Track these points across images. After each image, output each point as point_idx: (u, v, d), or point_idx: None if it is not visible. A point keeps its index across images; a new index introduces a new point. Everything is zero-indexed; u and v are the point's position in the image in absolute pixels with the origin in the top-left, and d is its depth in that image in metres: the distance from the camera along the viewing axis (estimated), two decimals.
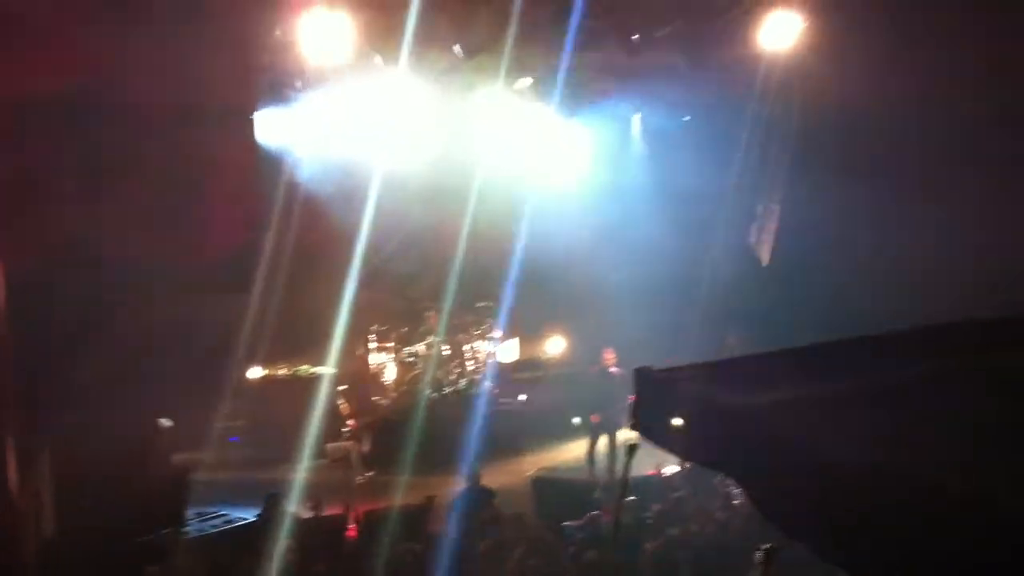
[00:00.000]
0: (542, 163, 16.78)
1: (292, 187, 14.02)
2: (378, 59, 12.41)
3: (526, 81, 15.05)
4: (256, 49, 10.46)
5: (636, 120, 16.94)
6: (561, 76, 15.47)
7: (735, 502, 10.51)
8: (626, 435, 12.57)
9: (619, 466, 12.77)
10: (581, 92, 16.30)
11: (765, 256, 15.32)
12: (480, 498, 10.89)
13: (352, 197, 15.34)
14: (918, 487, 2.60)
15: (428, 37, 11.81)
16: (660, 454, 10.94)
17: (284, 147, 14.67)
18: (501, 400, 15.87)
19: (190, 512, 11.09)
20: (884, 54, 11.53)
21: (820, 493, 2.90)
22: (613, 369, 13.42)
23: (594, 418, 13.28)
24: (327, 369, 15.05)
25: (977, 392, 2.89)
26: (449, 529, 10.18)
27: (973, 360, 3.04)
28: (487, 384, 15.96)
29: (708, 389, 3.56)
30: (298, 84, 13.23)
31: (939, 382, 2.95)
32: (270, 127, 13.87)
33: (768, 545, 3.36)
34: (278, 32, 11.40)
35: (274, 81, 13.17)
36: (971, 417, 2.80)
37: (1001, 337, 3.34)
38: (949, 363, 3.04)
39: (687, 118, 16.69)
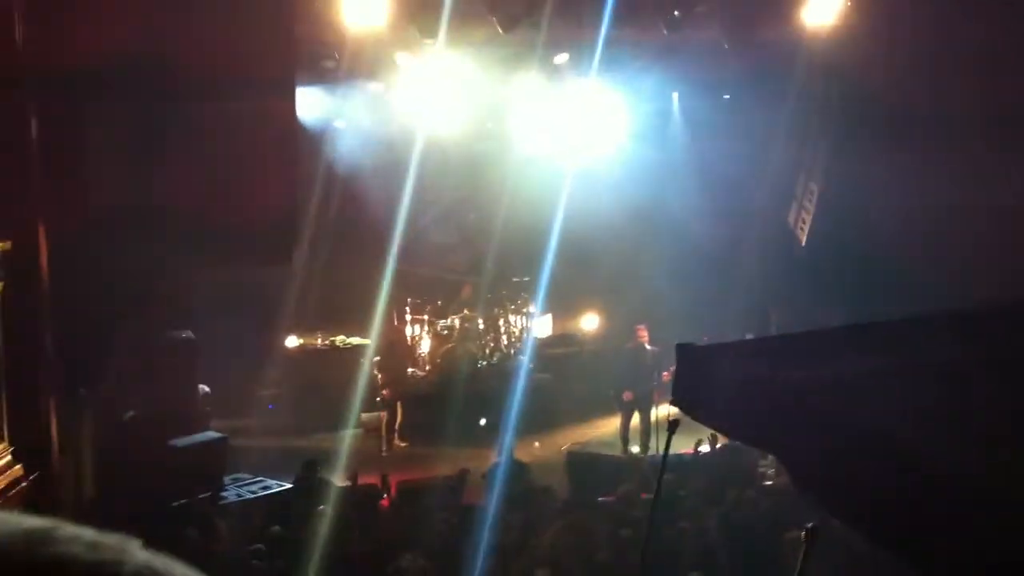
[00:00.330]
0: (579, 138, 16.74)
1: (332, 159, 14.13)
2: (415, 31, 12.42)
3: (563, 56, 15.01)
4: (294, 19, 10.44)
5: (675, 97, 16.82)
6: (599, 51, 15.52)
7: (767, 483, 10.53)
8: (661, 412, 12.66)
9: (655, 443, 12.81)
10: (619, 68, 16.26)
11: (803, 236, 15.23)
12: (514, 471, 10.97)
13: (390, 169, 15.43)
14: (966, 472, 2.61)
15: (465, 10, 11.80)
16: (696, 432, 11.05)
17: (323, 119, 14.78)
18: (536, 375, 15.93)
19: (227, 478, 11.27)
20: (928, 31, 11.38)
21: (864, 472, 2.92)
22: (647, 346, 13.43)
23: (627, 395, 13.30)
24: (363, 340, 15.20)
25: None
26: (483, 502, 10.29)
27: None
28: (521, 358, 16.03)
29: (751, 365, 3.57)
30: (336, 55, 13.28)
31: (989, 365, 2.95)
32: (309, 98, 13.96)
33: (811, 524, 3.39)
34: (316, 2, 11.42)
35: (312, 52, 13.23)
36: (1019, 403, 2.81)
37: None
38: (1000, 346, 3.04)
39: (727, 96, 16.58)
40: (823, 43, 13.32)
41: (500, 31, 12.36)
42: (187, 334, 11.31)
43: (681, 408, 3.95)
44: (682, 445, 11.81)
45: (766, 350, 3.80)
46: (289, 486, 10.75)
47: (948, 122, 12.01)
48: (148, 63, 8.66)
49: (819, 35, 13.02)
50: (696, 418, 3.93)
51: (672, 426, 4.09)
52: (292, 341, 14.85)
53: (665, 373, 12.47)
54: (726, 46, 13.29)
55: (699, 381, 3.81)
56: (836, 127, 14.26)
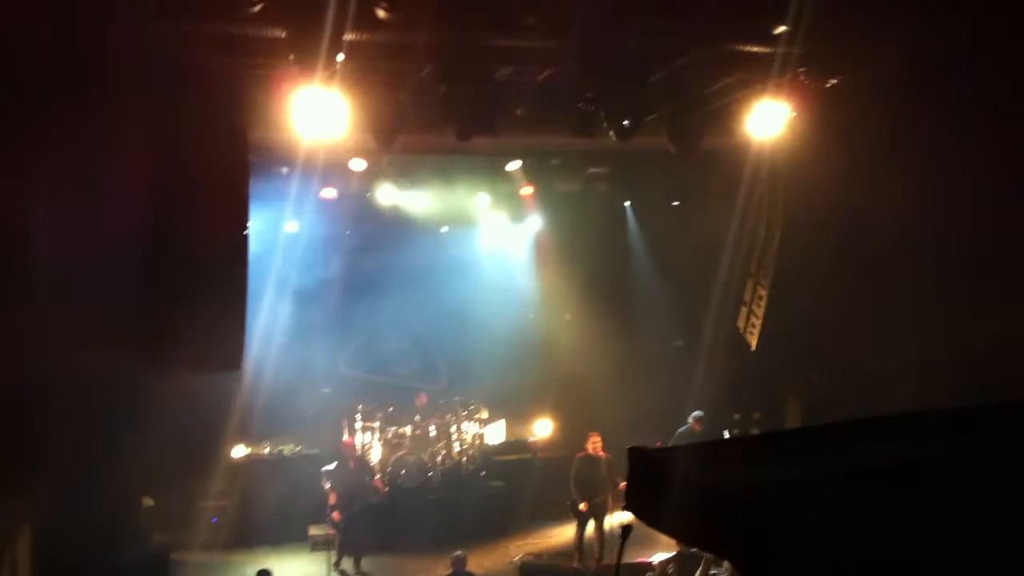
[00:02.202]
0: (531, 242, 16.96)
1: (284, 264, 14.07)
2: (371, 139, 12.51)
3: (516, 163, 15.24)
4: (247, 128, 10.47)
5: (627, 207, 17.13)
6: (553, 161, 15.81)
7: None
8: (617, 520, 12.46)
9: (608, 551, 12.59)
10: (572, 175, 16.55)
11: (753, 341, 15.32)
12: None
13: (340, 275, 15.44)
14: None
15: (422, 118, 11.92)
16: (651, 542, 10.85)
17: (275, 226, 14.80)
18: (488, 483, 15.69)
19: None
20: (873, 146, 11.70)
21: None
22: (601, 453, 13.29)
23: (583, 506, 13.10)
24: (311, 449, 14.89)
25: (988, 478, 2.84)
26: None
27: (986, 443, 3.00)
28: (473, 467, 15.79)
29: (707, 469, 3.49)
30: (288, 161, 13.35)
31: (951, 465, 2.90)
32: (261, 206, 13.97)
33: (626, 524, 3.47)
34: (269, 111, 11.46)
35: (265, 160, 13.29)
36: (980, 505, 2.75)
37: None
38: (961, 445, 3.00)
39: (676, 203, 16.89)
40: (769, 151, 13.64)
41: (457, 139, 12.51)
42: (129, 443, 10.97)
43: (634, 513, 3.84)
44: (639, 554, 11.64)
45: (719, 454, 3.72)
46: None
47: (889, 234, 12.30)
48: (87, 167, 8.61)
49: (765, 144, 13.34)
50: (649, 524, 3.81)
51: (625, 531, 3.98)
52: (239, 451, 14.49)
53: (622, 483, 12.29)
54: (673, 153, 13.54)
55: (652, 486, 3.71)
56: (782, 234, 14.51)
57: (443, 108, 11.15)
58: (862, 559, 2.73)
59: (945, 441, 3.22)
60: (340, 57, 10.13)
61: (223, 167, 10.07)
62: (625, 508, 3.96)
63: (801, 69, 11.90)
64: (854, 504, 2.86)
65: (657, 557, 11.55)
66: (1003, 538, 2.63)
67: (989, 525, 2.68)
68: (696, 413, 13.92)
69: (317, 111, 10.56)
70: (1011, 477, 2.87)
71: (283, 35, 9.40)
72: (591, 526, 13.21)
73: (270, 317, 13.64)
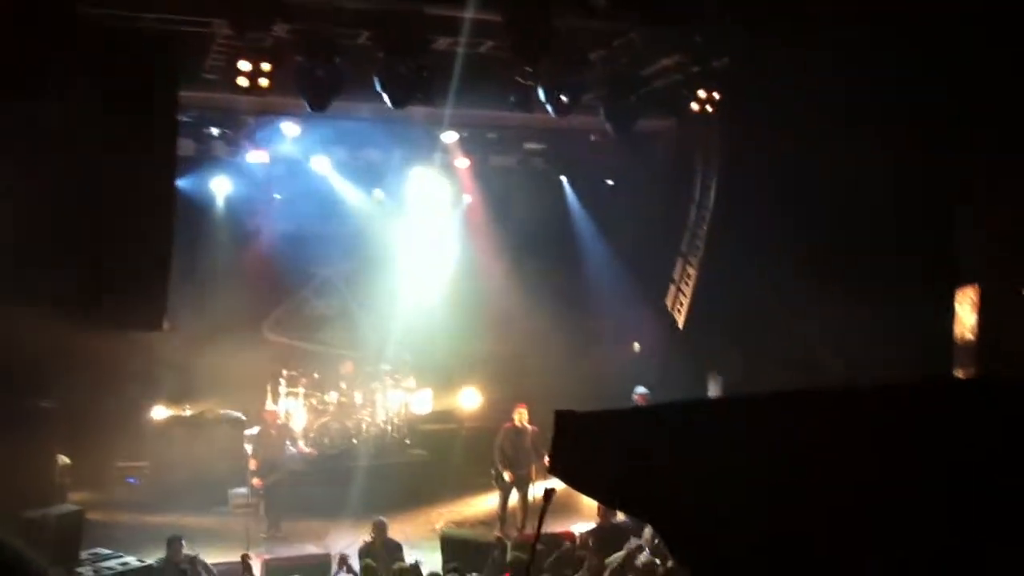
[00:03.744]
0: (465, 214, 16.97)
1: (212, 226, 13.89)
2: (303, 101, 12.38)
3: (452, 135, 15.20)
4: (176, 86, 10.29)
5: (564, 181, 17.22)
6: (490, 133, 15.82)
7: (638, 561, 10.51)
8: (538, 490, 12.59)
9: (531, 522, 12.72)
10: (508, 151, 16.59)
11: (681, 319, 15.56)
12: (386, 550, 10.72)
13: (270, 238, 15.28)
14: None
15: (359, 85, 11.83)
16: (573, 513, 11.00)
17: (204, 188, 14.59)
18: (412, 451, 15.72)
19: (84, 552, 10.65)
20: (804, 127, 11.91)
21: (746, 548, 2.92)
22: (526, 425, 13.39)
23: (509, 476, 13.20)
24: (235, 412, 14.74)
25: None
26: None
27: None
28: (398, 435, 15.80)
29: (633, 434, 3.56)
30: (219, 122, 13.19)
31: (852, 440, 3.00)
32: (189, 166, 13.77)
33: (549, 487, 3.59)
34: (201, 71, 11.26)
35: (194, 117, 13.08)
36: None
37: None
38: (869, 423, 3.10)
39: (611, 182, 17.03)
40: (702, 131, 13.84)
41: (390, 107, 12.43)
42: (46, 402, 10.79)
43: (559, 477, 3.89)
44: (560, 525, 11.80)
45: (646, 419, 3.79)
46: (150, 563, 10.24)
47: (820, 213, 12.56)
48: None
49: (698, 124, 13.52)
50: (574, 487, 3.88)
51: (547, 496, 4.04)
52: (160, 412, 14.28)
53: (546, 456, 12.41)
54: (609, 132, 13.64)
55: (578, 450, 3.77)
56: (714, 213, 14.73)
57: (380, 75, 11.08)
58: (781, 530, 2.83)
59: (872, 414, 3.33)
60: (276, 21, 10.02)
61: (150, 124, 9.90)
62: (550, 471, 4.03)
63: (735, 54, 12.10)
64: (776, 475, 2.95)
65: (578, 528, 11.71)
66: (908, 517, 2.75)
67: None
68: (640, 389, 14.11)
69: (252, 73, 10.44)
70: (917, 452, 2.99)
71: None
72: (514, 497, 13.33)
73: (196, 279, 13.45)
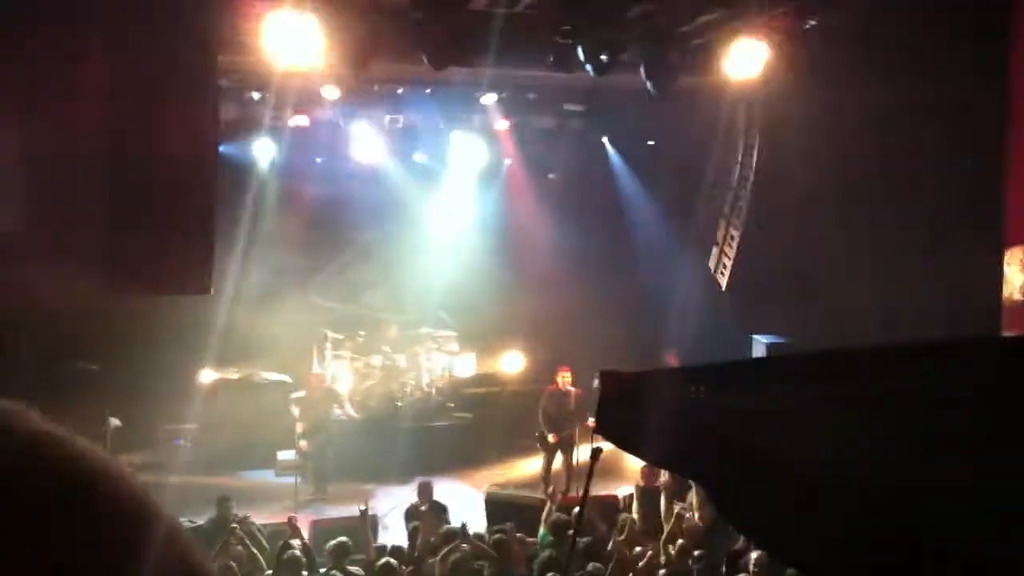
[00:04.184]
0: (505, 177, 16.89)
1: (256, 190, 13.92)
2: (345, 66, 12.32)
3: (491, 96, 15.09)
4: (216, 49, 10.24)
5: (606, 141, 17.06)
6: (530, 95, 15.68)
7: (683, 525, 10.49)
8: (582, 453, 12.61)
9: (575, 485, 12.74)
10: (547, 112, 16.44)
11: (724, 281, 15.42)
12: (432, 512, 10.78)
13: (313, 203, 15.31)
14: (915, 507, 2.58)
15: (397, 46, 11.75)
16: (618, 476, 10.99)
17: (247, 152, 14.62)
18: (456, 414, 15.79)
19: None
20: (846, 92, 11.70)
21: (797, 503, 2.87)
22: (570, 388, 13.38)
23: (553, 438, 13.22)
24: (281, 375, 14.89)
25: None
26: (400, 543, 10.08)
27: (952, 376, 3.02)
28: (442, 398, 15.88)
29: (680, 392, 3.51)
30: (261, 87, 13.14)
31: (927, 397, 2.93)
32: (232, 130, 13.81)
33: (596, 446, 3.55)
34: (239, 34, 11.21)
35: (236, 82, 13.08)
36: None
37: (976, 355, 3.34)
38: (942, 379, 3.02)
39: (651, 143, 16.85)
40: (746, 92, 13.59)
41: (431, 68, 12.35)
42: (93, 365, 10.93)
43: (605, 437, 3.86)
44: (605, 489, 11.80)
45: (693, 377, 3.74)
46: (200, 523, 10.39)
47: (864, 176, 12.37)
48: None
49: (742, 85, 13.28)
50: (622, 447, 3.85)
51: (595, 454, 4.02)
52: (207, 375, 14.45)
53: (590, 419, 12.45)
54: (650, 92, 13.46)
55: (624, 409, 3.73)
56: (757, 176, 14.53)
57: (417, 36, 11.00)
58: (834, 486, 2.77)
59: (922, 372, 3.26)
60: None
61: (192, 86, 9.89)
62: (596, 431, 4.00)
63: (780, 9, 11.84)
64: (829, 432, 2.89)
65: (621, 491, 11.71)
66: (978, 467, 2.67)
67: (967, 456, 2.72)
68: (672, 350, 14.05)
69: (289, 35, 10.37)
70: (987, 409, 2.91)
71: None
72: (559, 460, 13.35)
73: (241, 243, 13.52)
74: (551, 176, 16.74)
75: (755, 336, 13.97)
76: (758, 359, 3.92)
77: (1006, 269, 11.19)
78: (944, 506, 2.53)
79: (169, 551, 0.69)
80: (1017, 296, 11.32)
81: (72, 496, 0.66)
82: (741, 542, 8.72)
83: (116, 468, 0.71)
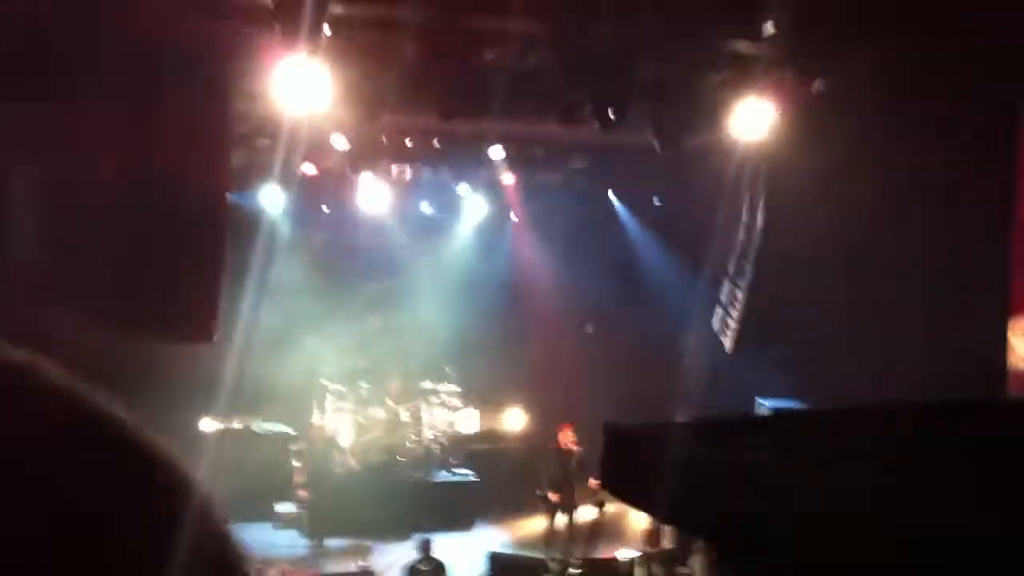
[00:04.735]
0: (511, 232, 16.91)
1: (262, 238, 13.92)
2: (355, 114, 12.38)
3: (499, 151, 15.14)
4: (231, 96, 10.31)
5: (614, 197, 17.10)
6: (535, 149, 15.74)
7: None
8: (585, 513, 12.43)
9: (578, 545, 12.54)
10: (554, 168, 16.50)
11: (728, 343, 15.31)
12: (432, 570, 10.61)
13: (319, 252, 15.31)
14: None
15: (406, 98, 11.83)
16: (617, 538, 10.79)
17: (254, 199, 14.66)
18: (458, 470, 15.63)
19: None
20: (852, 154, 11.72)
21: (820, 558, 2.76)
22: (572, 447, 13.24)
23: (553, 497, 13.05)
24: (282, 426, 14.77)
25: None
26: None
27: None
28: (443, 453, 15.73)
29: (685, 445, 3.42)
30: (269, 134, 13.20)
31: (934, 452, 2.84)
32: (238, 177, 13.83)
33: None
34: (251, 82, 11.29)
35: (245, 129, 13.13)
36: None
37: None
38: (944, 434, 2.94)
39: (657, 201, 16.87)
40: (752, 153, 13.62)
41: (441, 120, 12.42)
42: None
43: (610, 491, 3.75)
44: (607, 551, 11.62)
45: (700, 431, 3.64)
46: None
47: (871, 240, 12.33)
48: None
49: (748, 145, 13.31)
50: (627, 502, 3.73)
51: (599, 507, 3.92)
52: (208, 424, 14.31)
53: (593, 481, 12.36)
54: (657, 149, 13.49)
55: (630, 462, 3.62)
56: (763, 236, 14.51)
57: (427, 88, 11.08)
58: (846, 539, 2.68)
59: (926, 429, 3.18)
60: (326, 30, 10.03)
61: (206, 133, 9.94)
62: (601, 486, 3.92)
63: (787, 72, 11.90)
64: (849, 485, 2.81)
65: (622, 554, 11.52)
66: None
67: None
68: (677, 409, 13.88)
69: (301, 83, 10.43)
70: (992, 465, 2.82)
71: (269, 2, 9.28)
72: (561, 520, 13.16)
73: (247, 290, 13.49)
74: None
75: (760, 400, 13.85)
76: (768, 415, 3.84)
77: (1011, 338, 11.09)
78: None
79: (205, 527, 0.63)
80: (1023, 365, 11.22)
81: (103, 460, 0.61)
82: None
83: (145, 434, 0.66)
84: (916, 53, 10.32)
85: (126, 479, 0.61)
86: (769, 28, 11.02)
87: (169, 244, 9.55)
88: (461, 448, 15.95)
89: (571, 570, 10.06)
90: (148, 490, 0.61)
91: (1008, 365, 11.10)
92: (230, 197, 11.14)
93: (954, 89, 10.40)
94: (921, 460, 2.82)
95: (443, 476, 15.37)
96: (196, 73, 9.59)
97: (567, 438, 13.26)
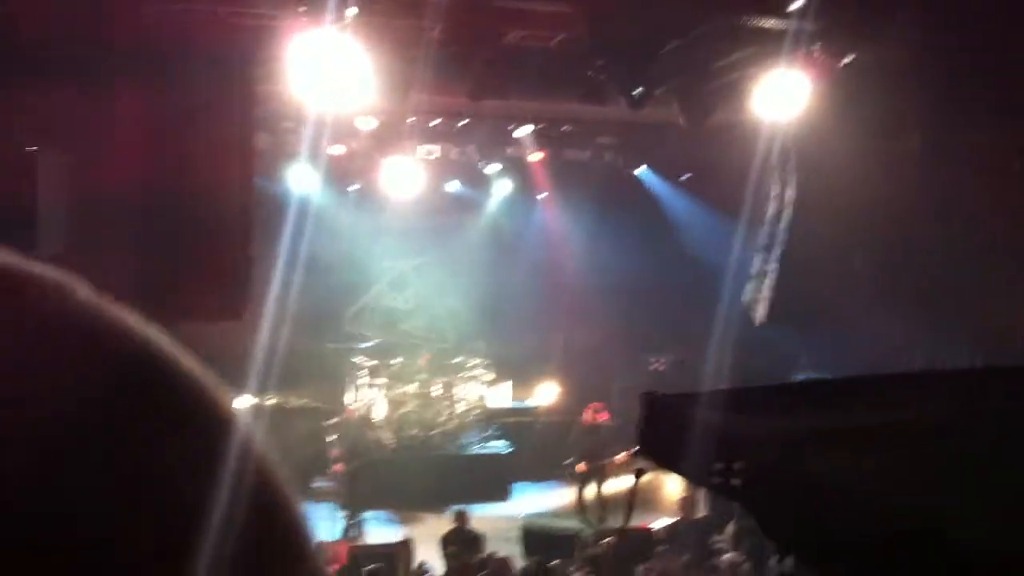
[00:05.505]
0: (539, 210, 16.96)
1: (291, 219, 14.06)
2: (385, 97, 12.45)
3: (526, 128, 15.19)
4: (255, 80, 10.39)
5: (643, 173, 17.10)
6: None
7: (722, 560, 10.38)
8: (622, 483, 12.55)
9: (610, 516, 12.68)
10: (581, 145, 16.51)
11: (761, 314, 15.31)
12: (467, 541, 10.77)
13: (348, 232, 15.43)
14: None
15: (434, 79, 11.88)
16: (651, 508, 10.87)
17: (282, 181, 14.80)
18: (491, 443, 15.80)
19: None
20: (883, 128, 11.67)
21: (857, 527, 2.87)
22: (599, 422, 13.39)
23: (580, 467, 13.22)
24: (316, 403, 14.97)
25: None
26: (434, 570, 10.07)
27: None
28: (476, 427, 15.91)
29: (720, 414, 3.52)
30: (294, 117, 13.30)
31: (963, 425, 2.93)
32: (265, 159, 13.95)
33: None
34: (276, 65, 11.34)
35: (270, 112, 13.22)
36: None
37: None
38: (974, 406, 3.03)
39: (686, 176, 16.86)
40: (781, 127, 13.59)
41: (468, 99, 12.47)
42: None
43: (647, 456, 3.89)
44: (642, 520, 11.71)
45: (736, 401, 3.76)
46: None
47: (901, 212, 12.30)
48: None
49: (777, 120, 13.28)
50: (663, 467, 3.87)
51: (638, 474, 4.04)
52: (243, 401, 14.51)
53: (623, 454, 12.51)
54: (683, 125, 13.49)
55: (667, 429, 3.75)
56: (793, 209, 14.48)
57: (455, 68, 11.12)
58: (873, 511, 2.77)
59: (957, 400, 3.25)
60: (352, 11, 10.07)
61: (230, 116, 10.04)
62: (638, 452, 4.02)
63: (815, 46, 11.85)
64: (868, 458, 2.89)
65: (658, 523, 11.62)
66: (1009, 497, 2.67)
67: (998, 484, 2.71)
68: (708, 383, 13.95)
69: (327, 66, 10.48)
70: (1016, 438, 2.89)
71: None
72: (592, 490, 13.33)
73: (278, 271, 13.65)
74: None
75: (793, 374, 13.87)
76: (799, 383, 3.91)
77: None
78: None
79: (247, 463, 0.59)
80: None
81: (144, 385, 0.57)
82: (783, 568, 8.60)
83: (188, 361, 0.62)
84: (951, 24, 10.26)
85: (168, 405, 0.57)
86: (796, 1, 10.97)
87: (197, 226, 9.69)
88: (494, 421, 16.11)
89: (605, 539, 10.16)
90: (193, 422, 0.58)
91: None
92: (257, 179, 11.26)
93: (992, 65, 10.34)
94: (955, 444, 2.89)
95: (476, 449, 15.55)
96: (221, 58, 9.70)
97: (595, 413, 13.42)
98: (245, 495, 0.56)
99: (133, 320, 0.60)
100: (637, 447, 3.88)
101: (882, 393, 3.58)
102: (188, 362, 0.61)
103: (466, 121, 14.65)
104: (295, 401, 14.91)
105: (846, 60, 11.80)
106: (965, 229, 11.58)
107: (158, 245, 9.36)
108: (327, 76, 10.52)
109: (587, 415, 13.50)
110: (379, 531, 12.43)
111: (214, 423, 0.59)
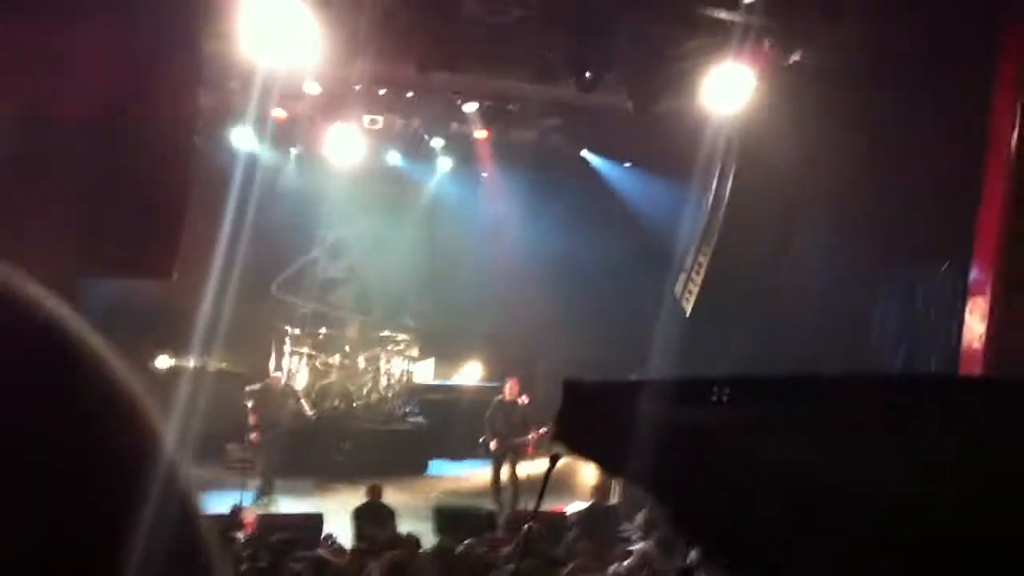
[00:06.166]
0: (480, 187, 16.86)
1: (228, 180, 13.78)
2: (332, 62, 12.22)
3: (473, 105, 15.07)
4: (200, 34, 10.10)
5: (589, 155, 17.07)
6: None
7: (631, 548, 10.43)
8: (538, 466, 12.55)
9: (526, 491, 12.70)
10: (527, 126, 16.44)
11: (688, 308, 15.42)
12: (380, 515, 10.69)
13: (286, 196, 15.17)
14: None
15: (383, 48, 11.69)
16: (565, 492, 10.90)
17: (223, 141, 14.49)
18: (411, 419, 15.73)
19: None
20: (826, 129, 11.77)
21: (779, 514, 2.83)
22: (517, 399, 13.38)
23: (493, 445, 13.20)
24: (238, 367, 14.73)
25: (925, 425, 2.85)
26: (344, 543, 9.98)
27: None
28: (398, 401, 15.81)
29: (646, 402, 3.48)
30: (239, 78, 13.01)
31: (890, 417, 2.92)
32: (207, 119, 13.65)
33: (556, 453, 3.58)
34: (222, 22, 11.06)
35: (215, 71, 12.92)
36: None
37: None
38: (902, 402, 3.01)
39: (628, 164, 16.89)
40: (726, 120, 13.66)
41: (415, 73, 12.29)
42: None
43: (564, 444, 3.82)
44: (556, 504, 11.74)
45: (664, 389, 3.70)
46: None
47: (834, 211, 12.46)
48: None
49: (723, 113, 13.33)
50: (581, 455, 3.80)
51: (553, 460, 3.99)
52: (163, 361, 14.24)
53: (537, 431, 12.57)
54: (631, 112, 13.49)
55: (586, 417, 3.68)
56: (730, 202, 14.58)
57: (406, 38, 10.94)
58: (822, 496, 2.75)
59: (878, 399, 3.25)
60: None
61: (173, 70, 9.74)
62: (555, 438, 3.97)
63: (765, 41, 11.91)
64: (807, 446, 2.87)
65: (571, 507, 11.67)
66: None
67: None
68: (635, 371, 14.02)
69: (275, 26, 10.26)
70: (943, 435, 2.89)
71: None
72: (506, 471, 13.32)
73: (208, 232, 13.38)
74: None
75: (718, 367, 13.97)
76: (723, 379, 3.88)
77: (967, 317, 11.30)
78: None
79: (171, 492, 0.59)
80: (976, 345, 11.41)
81: (73, 415, 0.57)
82: (691, 558, 8.67)
83: (124, 372, 0.61)
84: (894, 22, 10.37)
85: (102, 416, 0.57)
86: None
87: (129, 176, 9.38)
88: (416, 397, 16.03)
89: (517, 521, 10.16)
90: (119, 452, 0.57)
91: (962, 346, 11.30)
92: (197, 134, 10.97)
93: (930, 59, 10.47)
94: (856, 432, 2.88)
95: (396, 424, 15.46)
96: (167, 8, 9.39)
97: (512, 390, 13.41)
98: (165, 519, 0.56)
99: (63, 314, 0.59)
100: (553, 430, 3.85)
101: (801, 389, 3.57)
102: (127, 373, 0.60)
103: (412, 94, 14.48)
104: (215, 364, 14.63)
105: (794, 58, 11.90)
106: (891, 232, 11.78)
107: (87, 193, 9.06)
108: (275, 36, 10.30)
109: (506, 390, 13.47)
110: (292, 501, 12.27)
111: (146, 439, 0.59)
